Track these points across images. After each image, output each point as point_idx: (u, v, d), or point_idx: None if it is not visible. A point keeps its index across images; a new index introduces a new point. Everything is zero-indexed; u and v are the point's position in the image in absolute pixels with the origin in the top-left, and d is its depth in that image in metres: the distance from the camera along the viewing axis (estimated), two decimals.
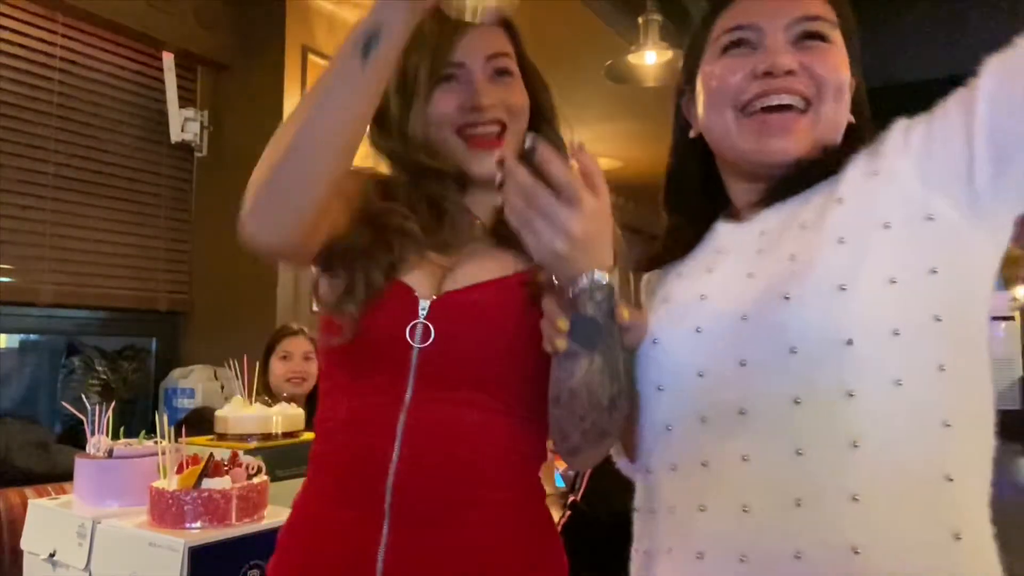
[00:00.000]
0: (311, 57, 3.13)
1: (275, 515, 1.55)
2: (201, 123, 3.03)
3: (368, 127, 0.93)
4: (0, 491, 1.99)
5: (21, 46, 2.58)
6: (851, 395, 0.70)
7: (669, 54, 2.86)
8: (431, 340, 0.82)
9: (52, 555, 1.56)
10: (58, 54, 2.67)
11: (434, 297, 0.85)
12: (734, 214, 0.89)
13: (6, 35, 2.53)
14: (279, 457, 1.81)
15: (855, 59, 0.85)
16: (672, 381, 0.81)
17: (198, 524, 1.46)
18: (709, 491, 0.75)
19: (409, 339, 0.82)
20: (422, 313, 0.83)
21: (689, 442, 0.79)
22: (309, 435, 1.99)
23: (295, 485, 1.68)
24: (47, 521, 1.64)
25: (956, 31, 4.33)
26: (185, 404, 2.77)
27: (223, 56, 3.11)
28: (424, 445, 0.82)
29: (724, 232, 0.88)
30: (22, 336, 2.83)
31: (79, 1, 2.62)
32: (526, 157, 0.70)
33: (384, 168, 0.97)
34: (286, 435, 1.93)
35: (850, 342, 0.69)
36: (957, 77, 0.77)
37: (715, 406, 0.76)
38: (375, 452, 0.82)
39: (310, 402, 2.54)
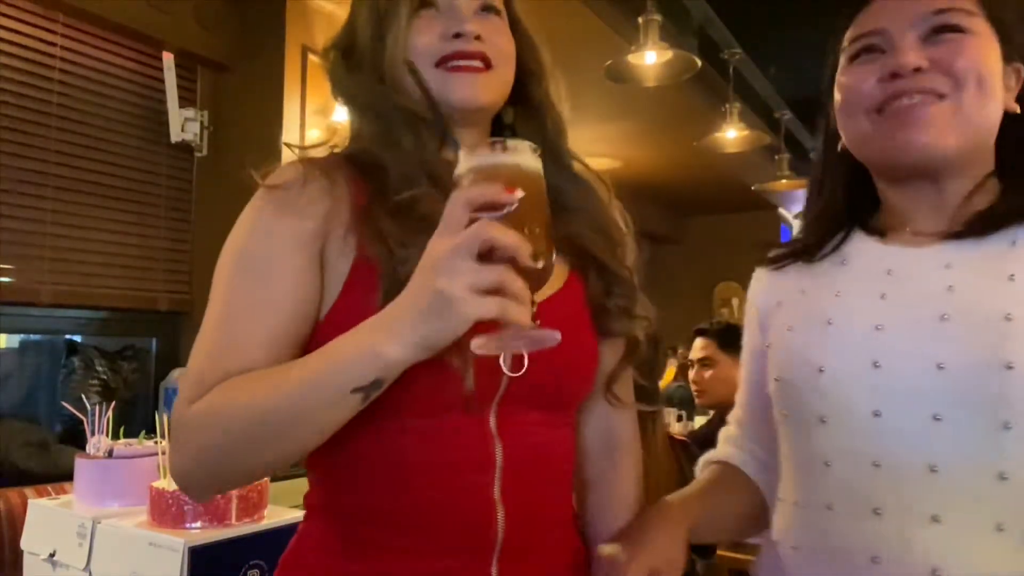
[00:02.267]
0: (311, 57, 3.13)
1: (275, 515, 1.55)
2: (201, 123, 3.03)
3: (331, 61, 0.86)
4: (0, 491, 1.99)
5: (21, 46, 2.57)
6: None
7: (669, 54, 2.86)
8: (524, 368, 0.73)
9: (52, 555, 1.56)
10: (58, 54, 2.67)
11: None
12: (882, 230, 0.84)
13: (6, 35, 2.53)
14: None
15: (1013, 46, 0.80)
16: (838, 415, 0.76)
17: (198, 524, 1.46)
18: (882, 542, 0.71)
19: (503, 366, 0.73)
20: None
21: (856, 485, 0.74)
22: None
23: (295, 485, 1.69)
24: (47, 521, 1.64)
25: None
26: None
27: (223, 56, 3.11)
28: (527, 474, 0.76)
29: (895, 254, 0.81)
30: (22, 336, 2.83)
31: (79, 1, 2.62)
32: None
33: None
34: None
35: None
36: None
37: (895, 455, 0.72)
38: (477, 491, 0.73)
39: None
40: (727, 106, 3.90)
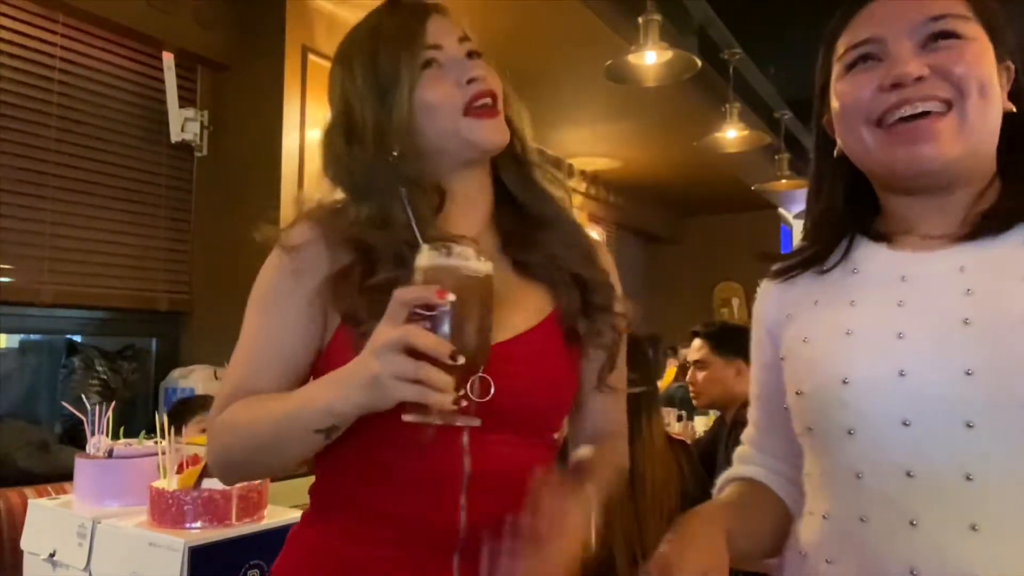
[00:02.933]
0: (311, 57, 3.13)
1: (275, 515, 1.55)
2: (201, 123, 3.03)
3: (331, 143, 0.92)
4: (0, 491, 1.99)
5: (21, 46, 2.57)
6: None
7: (669, 54, 2.85)
8: (491, 395, 0.82)
9: (52, 555, 1.56)
10: (58, 54, 2.67)
11: None
12: (887, 235, 0.84)
13: (6, 35, 2.53)
14: None
15: (1004, 46, 0.80)
16: (866, 426, 0.75)
17: (198, 524, 1.46)
18: (920, 553, 0.70)
19: (468, 392, 0.81)
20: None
21: (890, 496, 0.73)
22: None
23: (295, 485, 1.69)
24: (47, 521, 1.64)
25: None
26: None
27: (223, 56, 3.11)
28: (491, 485, 0.86)
29: (907, 260, 0.80)
30: (22, 336, 2.83)
31: (79, 1, 2.62)
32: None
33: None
34: None
35: None
36: None
37: (929, 464, 0.71)
38: (445, 496, 0.85)
39: None
40: (727, 106, 3.90)
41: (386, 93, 0.87)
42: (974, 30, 0.78)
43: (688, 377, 2.71)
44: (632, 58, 2.88)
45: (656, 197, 6.84)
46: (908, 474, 0.71)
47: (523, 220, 0.94)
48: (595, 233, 5.76)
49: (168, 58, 2.91)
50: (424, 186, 0.88)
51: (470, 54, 0.91)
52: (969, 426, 0.69)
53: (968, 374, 0.69)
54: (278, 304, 0.89)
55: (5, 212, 2.52)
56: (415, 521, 0.85)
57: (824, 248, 0.88)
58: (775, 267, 0.93)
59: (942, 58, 0.76)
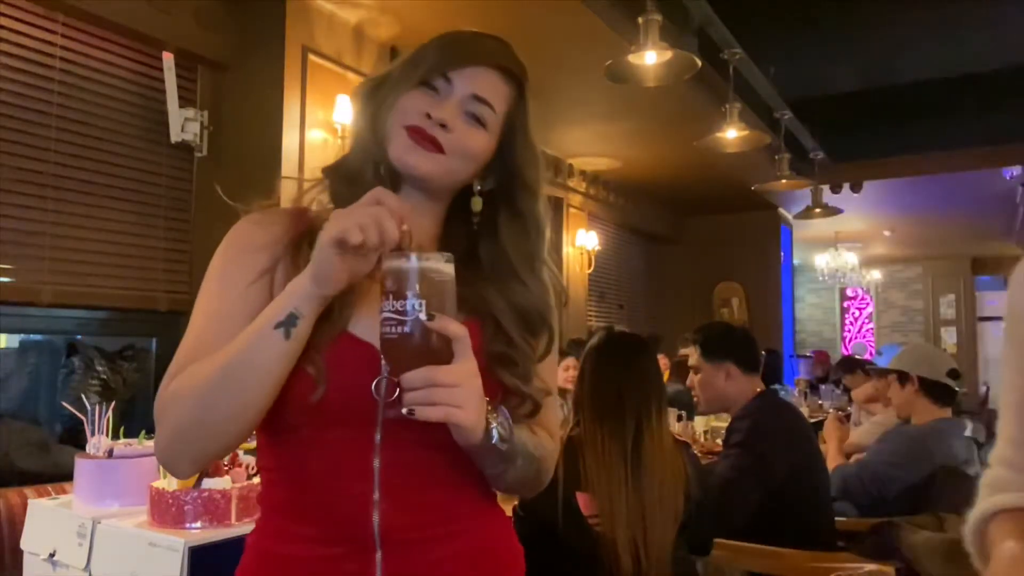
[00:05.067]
0: (311, 57, 3.13)
1: None
2: (201, 123, 3.03)
3: (365, 86, 0.99)
4: (0, 491, 1.99)
5: (21, 46, 2.57)
6: None
7: (669, 54, 2.85)
8: (397, 394, 0.81)
9: (52, 555, 1.56)
10: (58, 54, 2.67)
11: None
12: None
13: (6, 35, 2.53)
14: None
15: None
16: None
17: (198, 524, 1.46)
18: None
19: (375, 394, 0.85)
20: (385, 369, 0.84)
21: None
22: None
23: None
24: (47, 521, 1.64)
25: (958, 31, 4.33)
26: None
27: (223, 56, 3.11)
28: (403, 485, 0.88)
29: None
30: (22, 336, 2.83)
31: (79, 1, 2.62)
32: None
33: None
34: None
35: None
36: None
37: None
38: (357, 494, 0.87)
39: None
40: (727, 106, 3.90)
41: (399, 84, 0.93)
42: None
43: (688, 382, 2.73)
44: (632, 58, 2.88)
45: (656, 197, 6.84)
46: None
47: (475, 265, 0.94)
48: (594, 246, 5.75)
49: (168, 58, 2.91)
50: (390, 172, 0.93)
51: (470, 115, 0.91)
52: None
53: None
54: (240, 263, 0.91)
55: (5, 212, 2.52)
56: (329, 520, 0.88)
57: None
58: None
59: None
